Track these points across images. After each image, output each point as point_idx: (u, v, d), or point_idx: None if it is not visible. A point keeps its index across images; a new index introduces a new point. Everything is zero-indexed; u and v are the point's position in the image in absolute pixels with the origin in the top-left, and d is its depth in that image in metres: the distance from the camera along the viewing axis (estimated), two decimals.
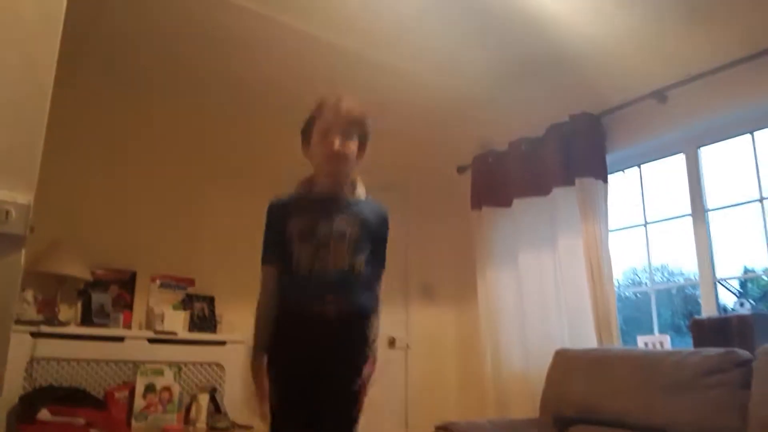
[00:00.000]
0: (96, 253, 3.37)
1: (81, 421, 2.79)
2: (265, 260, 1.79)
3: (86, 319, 3.21)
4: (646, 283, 3.50)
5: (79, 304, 3.27)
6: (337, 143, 1.71)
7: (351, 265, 1.70)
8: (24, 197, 1.44)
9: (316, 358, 1.66)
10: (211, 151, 3.90)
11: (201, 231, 3.79)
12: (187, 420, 3.17)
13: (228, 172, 3.95)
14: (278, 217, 1.78)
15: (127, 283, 3.45)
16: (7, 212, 1.40)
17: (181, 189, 3.77)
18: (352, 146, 1.75)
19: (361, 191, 1.84)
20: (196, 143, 3.86)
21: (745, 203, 2.90)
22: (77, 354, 3.05)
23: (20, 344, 2.81)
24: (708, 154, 3.07)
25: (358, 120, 1.76)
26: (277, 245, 1.75)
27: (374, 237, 1.78)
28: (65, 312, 3.21)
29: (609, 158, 3.21)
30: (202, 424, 3.12)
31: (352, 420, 1.70)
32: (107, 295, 3.33)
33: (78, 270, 3.17)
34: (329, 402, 1.67)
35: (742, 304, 2.74)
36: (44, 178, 1.48)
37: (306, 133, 1.81)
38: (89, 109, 3.51)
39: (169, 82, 3.58)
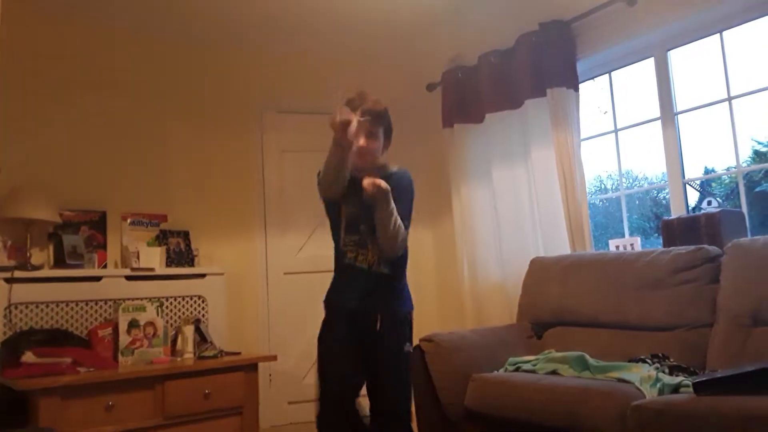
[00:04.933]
0: (62, 194, 3.29)
1: (67, 360, 2.78)
2: None
3: (59, 262, 3.16)
4: (612, 189, 3.57)
5: (51, 247, 3.20)
6: (361, 142, 2.07)
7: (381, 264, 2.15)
8: None
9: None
10: (175, 86, 3.78)
11: (170, 167, 3.71)
12: (174, 352, 3.19)
13: (194, 108, 3.84)
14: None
15: (97, 223, 3.39)
16: None
17: (146, 125, 3.67)
18: (376, 143, 2.13)
19: (391, 168, 2.20)
20: (161, 78, 3.73)
21: (713, 104, 2.93)
22: (55, 296, 3.02)
23: None
24: (677, 57, 3.06)
25: (378, 118, 2.11)
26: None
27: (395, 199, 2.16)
28: (37, 256, 3.15)
29: (579, 66, 3.18)
30: (189, 354, 3.15)
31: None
32: (78, 237, 3.26)
33: (45, 213, 3.09)
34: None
35: (709, 203, 2.82)
36: (2, 122, 1.39)
37: None
38: (48, 46, 3.35)
39: (133, 15, 3.42)
